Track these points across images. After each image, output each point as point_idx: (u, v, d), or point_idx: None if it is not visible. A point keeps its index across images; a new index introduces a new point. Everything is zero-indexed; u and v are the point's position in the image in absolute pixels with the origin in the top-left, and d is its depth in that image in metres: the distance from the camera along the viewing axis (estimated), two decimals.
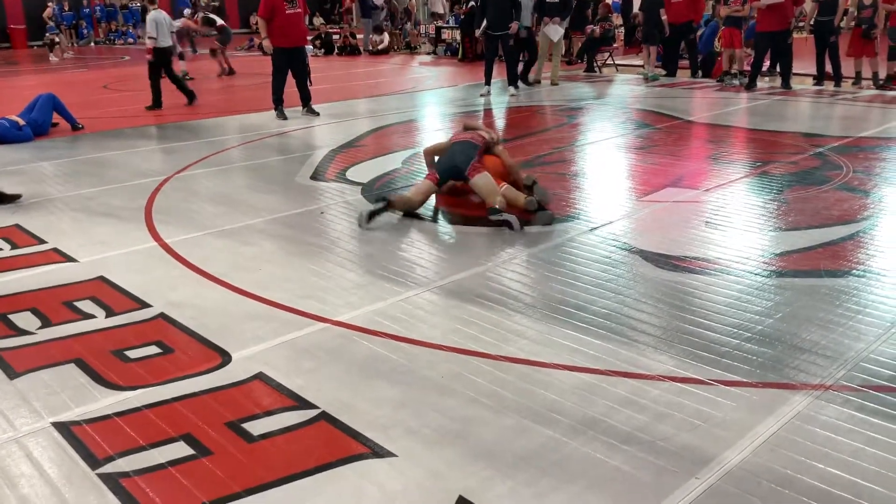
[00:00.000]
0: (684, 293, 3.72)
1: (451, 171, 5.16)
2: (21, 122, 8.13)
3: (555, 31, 11.04)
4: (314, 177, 6.36)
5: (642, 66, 12.92)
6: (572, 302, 3.63)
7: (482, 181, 5.03)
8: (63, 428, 2.66)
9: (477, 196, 5.21)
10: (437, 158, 5.48)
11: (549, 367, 3.01)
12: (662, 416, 2.63)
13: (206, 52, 14.90)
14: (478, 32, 11.75)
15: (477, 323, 3.42)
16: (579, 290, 3.77)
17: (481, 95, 10.84)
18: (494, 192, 4.97)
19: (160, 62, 9.99)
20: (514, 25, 10.49)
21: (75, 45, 23.84)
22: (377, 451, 2.47)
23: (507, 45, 10.85)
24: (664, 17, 12.02)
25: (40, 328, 3.48)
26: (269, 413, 2.71)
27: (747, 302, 3.58)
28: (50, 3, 22.29)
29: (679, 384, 2.84)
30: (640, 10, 13.00)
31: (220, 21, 14.56)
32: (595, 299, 3.66)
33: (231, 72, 14.24)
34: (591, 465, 2.38)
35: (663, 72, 12.67)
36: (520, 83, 11.45)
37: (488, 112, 9.93)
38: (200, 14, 14.80)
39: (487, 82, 10.98)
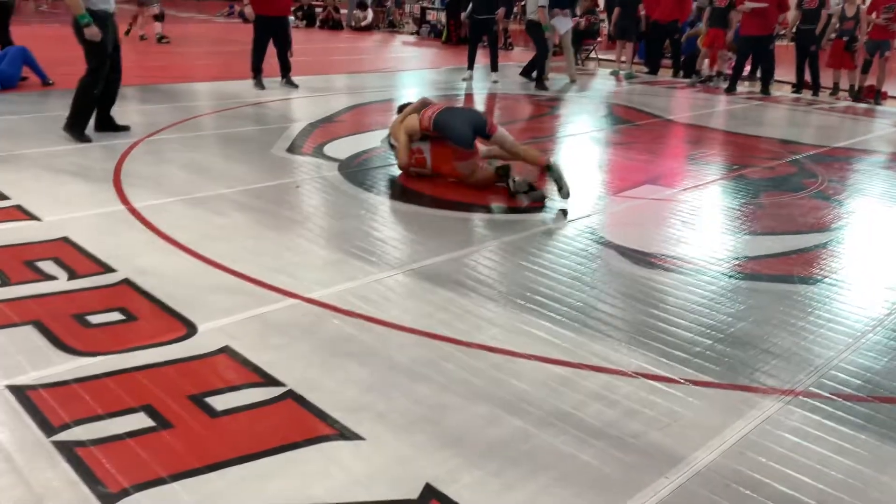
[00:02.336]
0: (659, 291, 3.72)
1: (473, 133, 5.28)
2: None
3: (562, 23, 10.89)
4: (290, 150, 6.25)
5: (615, 62, 12.81)
6: (547, 293, 3.60)
7: (505, 136, 5.46)
8: (18, 392, 2.55)
9: (465, 168, 5.26)
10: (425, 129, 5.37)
11: (521, 357, 2.98)
12: (633, 412, 2.62)
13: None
14: (464, 16, 11.67)
15: (450, 309, 3.37)
16: (554, 282, 3.74)
17: (463, 80, 10.75)
18: (518, 147, 5.46)
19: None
20: (500, 12, 10.41)
21: None
22: (344, 434, 2.41)
23: (491, 31, 10.76)
24: (642, 13, 12.05)
25: None
26: (233, 388, 2.64)
27: (720, 303, 3.59)
28: None
29: (650, 381, 2.83)
30: (616, 4, 12.83)
31: None
32: (570, 291, 3.64)
33: (142, 38, 13.39)
34: (559, 457, 2.36)
35: (644, 69, 12.72)
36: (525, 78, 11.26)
37: (469, 97, 9.85)
38: None
39: (470, 66, 10.90)
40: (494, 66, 10.96)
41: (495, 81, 10.78)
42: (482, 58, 11.25)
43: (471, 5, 10.72)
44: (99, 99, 6.09)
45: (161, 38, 13.28)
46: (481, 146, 5.52)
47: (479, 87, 10.48)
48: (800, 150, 7.17)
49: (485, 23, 10.60)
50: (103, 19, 5.70)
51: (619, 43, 12.87)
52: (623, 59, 12.74)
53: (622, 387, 2.79)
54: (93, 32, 5.62)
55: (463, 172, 5.26)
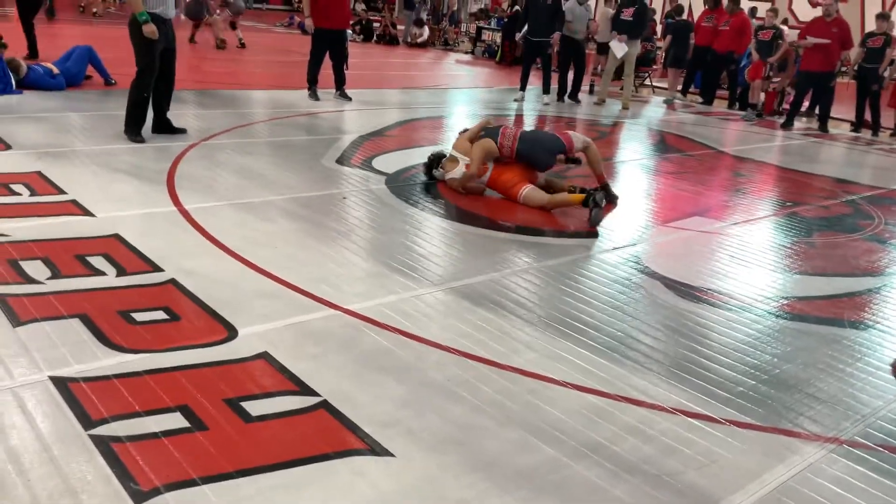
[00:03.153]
0: (702, 326, 3.64)
1: (554, 158, 5.56)
2: (55, 70, 8.12)
3: (619, 47, 10.84)
4: (340, 161, 6.31)
5: (666, 90, 12.91)
6: (587, 320, 3.55)
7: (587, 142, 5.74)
8: (60, 383, 2.61)
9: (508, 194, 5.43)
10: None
11: (557, 384, 2.94)
12: (670, 449, 2.56)
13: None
14: (518, 36, 11.71)
15: (488, 329, 3.35)
16: (595, 310, 3.69)
17: (515, 100, 10.76)
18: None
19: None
20: (556, 35, 10.41)
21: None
22: (374, 449, 2.41)
23: (545, 53, 10.76)
24: (692, 42, 12.06)
25: (49, 279, 3.44)
26: (269, 395, 2.65)
27: (766, 343, 3.49)
28: None
29: (690, 419, 2.76)
30: (669, 33, 12.98)
31: None
32: (611, 321, 3.58)
33: (222, 43, 13.62)
34: (591, 490, 2.31)
35: (680, 96, 12.70)
36: (566, 97, 11.32)
37: (519, 118, 9.84)
38: None
39: (522, 88, 10.91)
40: (546, 89, 10.95)
41: (546, 104, 10.77)
42: (535, 80, 11.26)
43: (526, 26, 10.74)
44: (154, 101, 6.26)
45: (241, 43, 13.72)
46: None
47: (529, 109, 10.47)
48: (856, 191, 6.99)
49: (539, 45, 10.60)
50: (157, 23, 5.86)
51: (672, 71, 12.80)
52: (678, 88, 12.70)
53: (660, 422, 2.73)
54: (151, 30, 5.79)
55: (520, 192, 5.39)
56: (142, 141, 6.07)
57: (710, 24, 11.99)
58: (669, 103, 12.24)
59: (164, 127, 6.44)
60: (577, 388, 2.92)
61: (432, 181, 5.80)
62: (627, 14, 10.82)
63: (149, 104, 6.23)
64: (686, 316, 3.74)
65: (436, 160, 5.79)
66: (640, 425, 2.69)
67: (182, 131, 6.53)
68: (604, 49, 11.74)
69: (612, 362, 3.16)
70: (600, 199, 5.06)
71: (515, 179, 5.42)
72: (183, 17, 13.63)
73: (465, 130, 5.97)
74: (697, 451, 2.55)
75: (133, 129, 6.13)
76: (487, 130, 5.67)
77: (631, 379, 3.03)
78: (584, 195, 5.15)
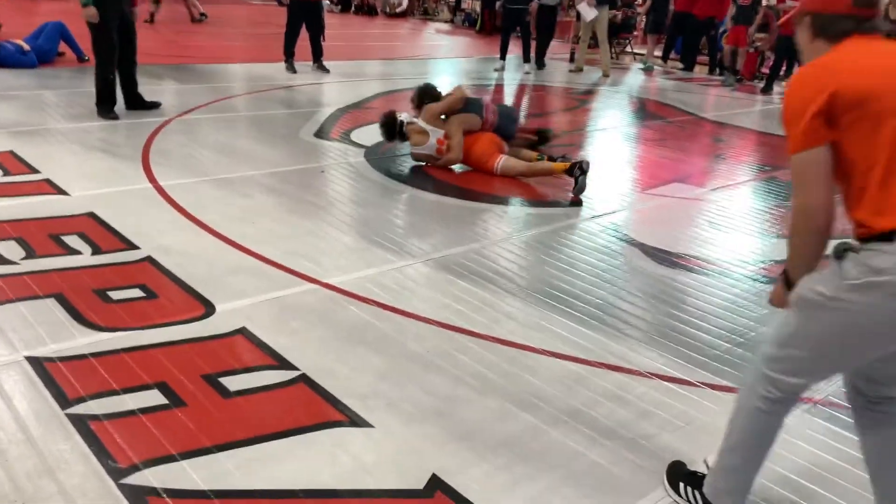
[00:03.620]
0: (680, 291, 3.67)
1: (509, 128, 5.56)
2: (26, 47, 7.96)
3: (588, 11, 10.75)
4: (318, 134, 6.26)
5: (644, 55, 12.92)
6: (566, 289, 3.57)
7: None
8: (36, 363, 2.59)
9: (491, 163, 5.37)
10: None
11: (537, 352, 2.96)
12: (646, 413, 2.59)
13: None
14: (497, 4, 11.62)
15: (468, 300, 3.36)
16: (575, 278, 3.71)
17: (495, 70, 10.69)
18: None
19: None
20: (533, 4, 10.33)
21: None
22: (354, 420, 2.42)
23: (524, 21, 10.67)
24: (671, 8, 12.04)
25: (24, 258, 3.40)
26: (248, 370, 2.65)
27: (742, 307, 3.53)
28: None
29: (666, 383, 2.79)
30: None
31: None
32: (590, 288, 3.60)
33: (202, 16, 13.47)
34: (569, 456, 2.34)
35: (661, 62, 12.68)
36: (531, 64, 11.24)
37: (499, 88, 9.78)
38: None
39: (502, 57, 10.83)
40: (527, 57, 10.89)
41: (527, 73, 10.71)
42: (515, 48, 11.18)
43: None
44: (121, 78, 6.12)
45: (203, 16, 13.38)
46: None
47: (510, 79, 10.41)
48: None
49: (517, 12, 10.51)
50: (103, 1, 5.63)
51: (651, 37, 12.76)
52: (657, 54, 12.69)
53: (637, 387, 2.76)
54: (90, 13, 5.59)
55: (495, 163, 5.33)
56: (115, 118, 5.98)
57: None
58: (649, 70, 12.21)
59: (137, 102, 6.34)
60: (556, 356, 2.94)
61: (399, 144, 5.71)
62: None
63: (116, 82, 6.09)
64: (665, 282, 3.77)
65: (391, 125, 5.58)
66: (617, 390, 2.72)
67: (156, 105, 6.43)
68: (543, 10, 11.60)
69: (592, 329, 3.18)
70: (586, 166, 4.99)
71: (489, 151, 5.34)
72: None
73: (424, 100, 5.71)
74: (673, 414, 2.58)
75: (105, 108, 6.02)
76: (471, 105, 5.50)
77: (609, 345, 3.06)
78: (567, 163, 5.10)
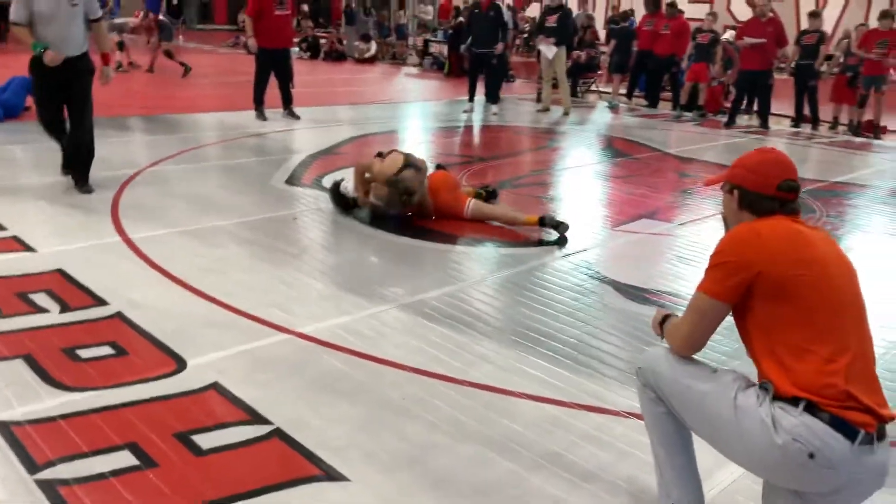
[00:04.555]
0: None
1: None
2: None
3: (548, 49, 10.99)
4: (290, 181, 6.27)
5: (609, 94, 13.18)
6: (541, 329, 3.58)
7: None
8: (3, 427, 2.53)
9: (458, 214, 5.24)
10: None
11: (513, 395, 2.95)
12: (625, 454, 2.59)
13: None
14: (463, 48, 11.83)
15: (443, 344, 3.35)
16: (549, 318, 3.72)
17: (464, 111, 10.83)
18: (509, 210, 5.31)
19: None
20: (499, 46, 10.54)
21: None
22: (330, 474, 2.38)
23: (490, 64, 10.86)
24: (634, 49, 12.34)
25: None
26: (220, 426, 2.61)
27: (715, 341, 3.53)
28: None
29: (643, 421, 2.79)
30: (612, 39, 13.24)
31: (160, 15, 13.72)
32: (564, 328, 3.62)
33: (150, 69, 13.22)
34: (549, 501, 2.32)
35: (625, 100, 12.95)
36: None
37: (468, 129, 9.91)
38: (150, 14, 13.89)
39: (470, 98, 10.99)
40: (494, 99, 11.05)
41: (495, 114, 10.86)
42: (482, 90, 11.34)
43: (470, 38, 10.86)
44: (72, 156, 5.47)
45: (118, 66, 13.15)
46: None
47: (478, 119, 10.54)
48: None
49: (484, 56, 10.71)
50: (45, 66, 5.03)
51: (616, 76, 13.03)
52: (622, 92, 12.99)
53: (615, 427, 2.76)
54: (51, 57, 4.98)
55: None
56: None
57: (650, 28, 12.27)
58: (614, 108, 12.44)
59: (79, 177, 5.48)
60: (532, 399, 2.93)
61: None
62: (552, 20, 11.00)
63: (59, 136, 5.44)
64: (637, 318, 3.79)
65: (339, 198, 5.32)
66: (595, 432, 2.72)
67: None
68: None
69: (568, 370, 3.18)
70: (550, 219, 5.02)
71: (455, 195, 5.30)
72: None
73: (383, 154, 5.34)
74: (651, 455, 2.58)
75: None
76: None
77: (586, 385, 3.06)
78: (536, 217, 5.08)
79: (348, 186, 5.30)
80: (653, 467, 2.38)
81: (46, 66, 5.04)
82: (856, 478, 1.82)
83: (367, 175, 5.15)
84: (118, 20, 13.57)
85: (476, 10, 10.83)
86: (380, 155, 5.30)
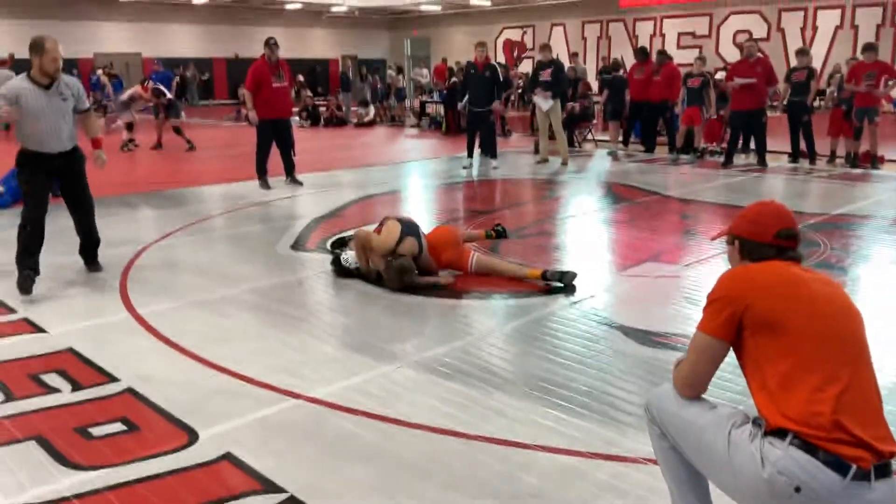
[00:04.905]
0: (664, 370, 3.66)
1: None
2: (0, 188, 8.07)
3: (544, 101, 11.24)
4: (294, 246, 6.33)
5: (608, 142, 13.41)
6: (553, 379, 3.56)
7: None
8: None
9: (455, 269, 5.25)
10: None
11: (528, 448, 2.92)
12: (644, 501, 2.55)
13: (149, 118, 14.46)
14: (460, 106, 12.10)
15: (455, 400, 3.34)
16: (559, 367, 3.71)
17: (464, 168, 10.98)
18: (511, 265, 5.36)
19: None
20: (496, 105, 10.78)
21: None
22: None
23: (488, 121, 11.04)
24: (627, 98, 12.61)
25: (2, 402, 3.35)
26: (234, 497, 2.59)
27: (728, 381, 3.52)
28: None
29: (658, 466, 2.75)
30: (605, 88, 13.52)
31: (169, 94, 13.92)
32: (576, 376, 3.60)
33: (158, 145, 13.60)
34: None
35: (622, 146, 13.14)
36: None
37: (469, 184, 10.02)
38: (151, 84, 14.24)
39: (469, 154, 11.16)
40: (492, 154, 11.23)
41: (495, 167, 11.00)
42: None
43: (466, 97, 11.10)
44: (83, 245, 5.51)
45: (127, 143, 13.44)
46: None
47: (479, 174, 10.67)
48: (800, 219, 7.20)
49: (481, 114, 10.94)
50: (41, 159, 5.02)
51: (612, 124, 13.24)
52: (619, 139, 13.21)
53: (632, 474, 2.72)
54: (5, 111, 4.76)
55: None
56: (26, 292, 4.89)
57: (642, 76, 12.50)
58: (613, 155, 12.60)
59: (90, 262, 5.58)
60: (548, 450, 2.91)
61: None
62: (545, 75, 11.27)
63: (33, 239, 5.08)
64: (649, 362, 3.78)
65: (341, 268, 5.32)
66: (613, 481, 2.68)
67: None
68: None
69: (581, 419, 3.16)
70: (552, 273, 5.05)
71: (458, 250, 5.33)
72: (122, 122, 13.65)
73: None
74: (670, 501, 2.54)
75: (19, 277, 4.97)
76: (407, 231, 5.15)
77: (601, 433, 3.03)
78: (539, 271, 5.12)
79: (348, 258, 5.31)
80: None
81: (35, 158, 5.01)
82: None
83: (366, 248, 5.16)
84: (124, 96, 13.96)
85: (472, 71, 11.09)
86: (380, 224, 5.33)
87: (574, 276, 5.01)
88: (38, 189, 5.12)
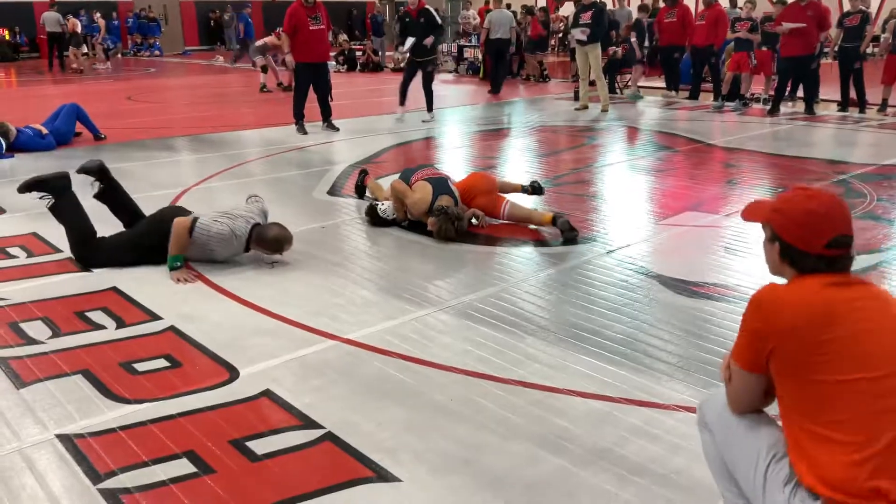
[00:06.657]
0: (702, 320, 3.65)
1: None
2: (44, 130, 8.21)
3: (581, 34, 10.96)
4: (331, 192, 6.36)
5: (650, 88, 13.21)
6: (587, 326, 3.57)
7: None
8: (67, 440, 2.63)
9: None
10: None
11: (561, 392, 2.95)
12: (676, 447, 2.56)
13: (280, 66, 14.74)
14: (399, 53, 11.75)
15: (489, 345, 3.36)
16: (595, 314, 3.71)
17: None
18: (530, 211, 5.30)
19: None
20: (429, 40, 10.17)
21: (104, 55, 23.95)
22: (382, 475, 2.41)
23: (426, 71, 10.50)
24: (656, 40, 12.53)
25: (50, 338, 3.47)
26: (274, 431, 2.67)
27: None
28: (77, 16, 22.45)
29: (694, 414, 2.75)
30: (632, 29, 13.17)
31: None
32: (611, 324, 3.59)
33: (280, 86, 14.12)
34: (600, 496, 2.32)
35: (671, 93, 12.82)
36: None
37: (505, 131, 9.90)
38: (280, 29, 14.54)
39: (402, 103, 10.66)
40: (429, 107, 10.68)
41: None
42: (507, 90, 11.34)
43: (407, 43, 10.41)
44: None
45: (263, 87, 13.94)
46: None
47: (517, 122, 10.53)
48: (847, 170, 7.01)
49: (420, 63, 10.45)
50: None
51: (636, 68, 13.00)
52: (661, 85, 12.90)
53: (665, 421, 2.73)
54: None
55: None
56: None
57: (673, 19, 12.11)
58: (634, 98, 12.28)
59: None
60: (581, 395, 2.92)
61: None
62: (586, 17, 10.93)
63: None
64: (685, 312, 3.75)
65: (375, 218, 5.29)
66: (645, 426, 2.70)
67: None
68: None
69: (615, 365, 3.16)
70: (562, 221, 4.96)
71: (492, 198, 5.30)
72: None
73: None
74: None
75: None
76: (436, 188, 5.08)
77: (634, 380, 3.04)
78: (551, 214, 5.07)
79: (386, 208, 5.28)
80: (704, 459, 2.35)
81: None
82: None
83: (403, 201, 5.15)
84: (258, 42, 14.46)
85: (407, 19, 10.34)
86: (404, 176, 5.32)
87: (574, 235, 4.90)
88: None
